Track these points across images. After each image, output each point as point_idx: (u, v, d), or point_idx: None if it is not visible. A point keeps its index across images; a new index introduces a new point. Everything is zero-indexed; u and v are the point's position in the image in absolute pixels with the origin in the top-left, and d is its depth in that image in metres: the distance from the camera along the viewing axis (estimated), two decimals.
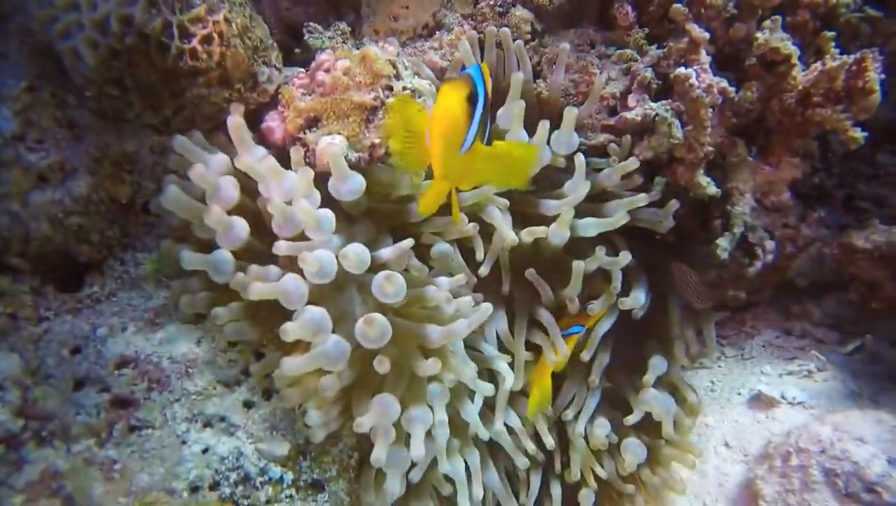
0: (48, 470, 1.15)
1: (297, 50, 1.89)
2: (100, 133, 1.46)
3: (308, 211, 1.38)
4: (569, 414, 1.81)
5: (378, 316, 1.34)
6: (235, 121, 1.43)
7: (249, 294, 1.32)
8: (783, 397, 1.89)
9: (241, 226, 1.38)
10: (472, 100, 1.06)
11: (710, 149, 1.71)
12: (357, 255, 1.37)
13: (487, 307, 1.50)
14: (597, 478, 1.78)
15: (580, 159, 1.71)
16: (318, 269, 1.33)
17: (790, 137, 1.78)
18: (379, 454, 1.35)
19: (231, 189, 1.39)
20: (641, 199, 1.76)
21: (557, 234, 1.71)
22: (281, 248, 1.37)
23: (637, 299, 1.82)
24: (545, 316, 1.75)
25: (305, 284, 1.35)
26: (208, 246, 1.45)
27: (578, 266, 1.68)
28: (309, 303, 1.35)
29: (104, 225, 1.48)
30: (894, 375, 2.01)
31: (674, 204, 1.80)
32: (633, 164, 1.75)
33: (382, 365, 1.34)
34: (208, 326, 1.47)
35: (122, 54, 1.31)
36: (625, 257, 1.73)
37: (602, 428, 1.77)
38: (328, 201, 1.48)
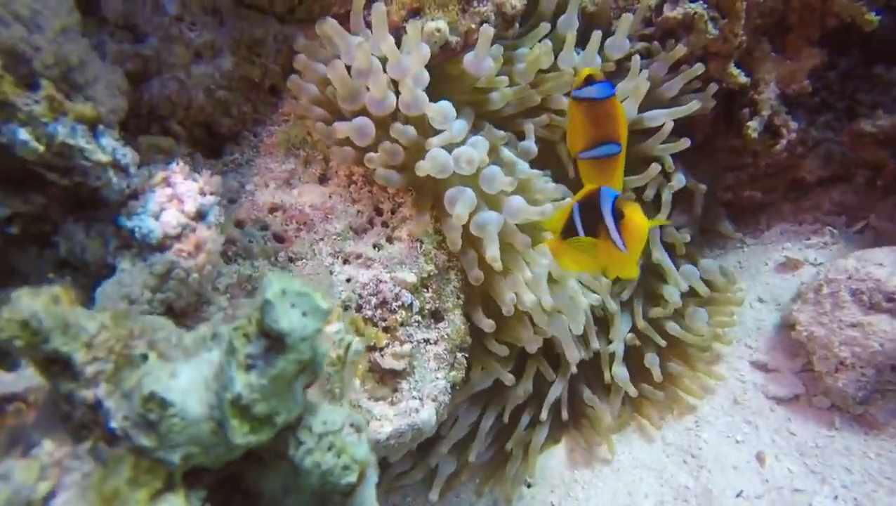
0: (242, 275, 1.38)
1: None
2: (236, 19, 1.68)
3: (432, 108, 1.61)
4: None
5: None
6: (380, 8, 1.64)
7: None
8: (806, 260, 2.20)
9: (393, 95, 1.61)
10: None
11: (744, 38, 2.00)
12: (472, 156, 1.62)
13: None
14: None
15: (636, 59, 1.95)
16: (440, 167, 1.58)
17: (809, 30, 2.08)
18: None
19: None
20: (684, 110, 2.02)
21: (629, 108, 1.95)
22: (433, 143, 1.61)
23: (679, 180, 2.12)
24: None
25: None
26: (333, 119, 1.70)
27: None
28: None
29: (241, 101, 1.70)
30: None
31: (713, 87, 2.08)
32: (681, 50, 2.02)
33: None
34: (333, 188, 1.71)
35: None
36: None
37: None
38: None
